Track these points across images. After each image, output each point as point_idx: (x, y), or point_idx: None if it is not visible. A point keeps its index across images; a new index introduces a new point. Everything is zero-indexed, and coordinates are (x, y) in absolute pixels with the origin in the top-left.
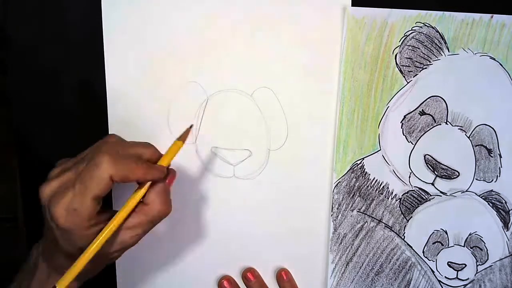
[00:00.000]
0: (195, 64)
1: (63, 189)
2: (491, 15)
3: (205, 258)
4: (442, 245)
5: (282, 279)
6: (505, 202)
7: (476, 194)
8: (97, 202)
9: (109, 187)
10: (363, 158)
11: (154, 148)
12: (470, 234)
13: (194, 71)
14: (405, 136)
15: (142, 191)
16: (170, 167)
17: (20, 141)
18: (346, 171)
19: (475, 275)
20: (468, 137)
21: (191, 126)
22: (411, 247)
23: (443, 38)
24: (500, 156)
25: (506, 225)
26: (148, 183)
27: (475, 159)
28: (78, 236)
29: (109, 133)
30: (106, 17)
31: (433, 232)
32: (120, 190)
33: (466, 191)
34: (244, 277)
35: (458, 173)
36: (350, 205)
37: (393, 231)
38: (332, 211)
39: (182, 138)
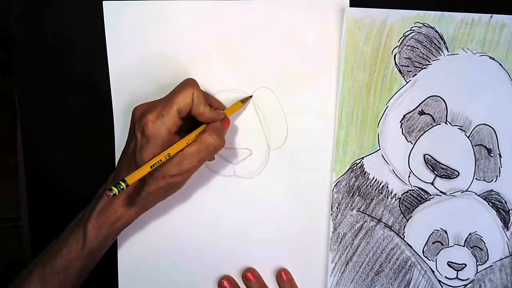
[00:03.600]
0: (196, 64)
1: (154, 105)
2: (490, 15)
3: (205, 258)
4: (442, 245)
5: (282, 279)
6: (505, 202)
7: (476, 194)
8: (180, 115)
9: (190, 105)
10: (362, 158)
11: (221, 103)
12: (470, 234)
13: (195, 71)
14: (405, 136)
15: (203, 126)
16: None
17: (24, 141)
18: (346, 171)
19: (475, 275)
20: (468, 137)
21: (251, 96)
22: (411, 246)
23: (442, 38)
24: (500, 156)
25: (506, 225)
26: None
27: (475, 158)
28: (156, 144)
29: (114, 132)
30: (108, 17)
31: (433, 231)
32: None
33: (466, 190)
34: (244, 277)
35: (458, 172)
36: (349, 204)
37: (392, 230)
38: (331, 210)
39: (244, 101)
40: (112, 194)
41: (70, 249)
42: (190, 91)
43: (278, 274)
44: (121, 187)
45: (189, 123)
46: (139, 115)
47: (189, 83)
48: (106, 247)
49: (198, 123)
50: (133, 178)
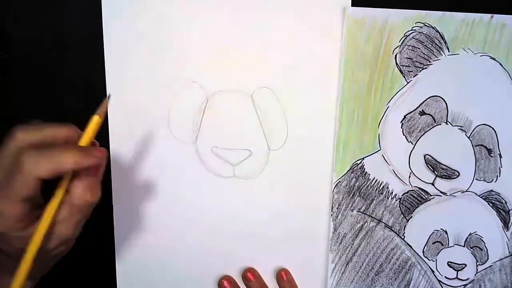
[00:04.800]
0: (196, 64)
1: None
2: (491, 15)
3: (205, 258)
4: (442, 245)
5: (282, 279)
6: (505, 202)
7: (476, 194)
8: (27, 203)
9: (37, 186)
10: (363, 158)
11: (69, 127)
12: (470, 234)
13: (195, 71)
14: (405, 136)
15: (66, 180)
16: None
17: None
18: (346, 171)
19: (475, 275)
20: (468, 137)
21: (109, 96)
22: (411, 247)
23: (443, 38)
24: (500, 156)
25: (506, 225)
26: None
27: (475, 159)
28: (14, 238)
29: (109, 133)
30: (106, 16)
31: (433, 232)
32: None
33: (466, 191)
34: (244, 277)
35: (458, 173)
36: (350, 204)
37: (393, 231)
38: (332, 210)
39: (100, 113)
40: None
41: None
42: (29, 173)
43: (278, 274)
44: None
45: None
46: None
47: (24, 159)
48: None
49: None
50: (17, 283)
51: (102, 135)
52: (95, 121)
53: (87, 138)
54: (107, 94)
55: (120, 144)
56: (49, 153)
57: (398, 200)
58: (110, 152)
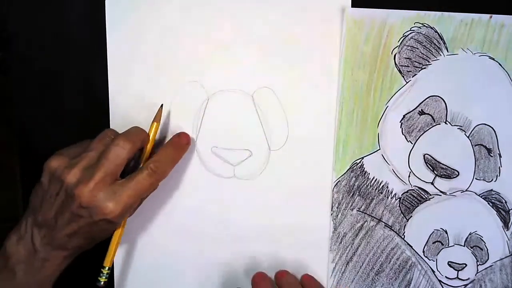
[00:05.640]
0: (196, 64)
1: (89, 172)
2: (490, 15)
3: (204, 258)
4: (442, 244)
5: (279, 278)
6: (505, 202)
7: (476, 193)
8: (117, 177)
9: (121, 168)
10: (362, 158)
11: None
12: (470, 234)
13: (195, 71)
14: (405, 136)
15: (154, 124)
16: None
17: (21, 142)
18: (346, 171)
19: (475, 275)
20: (468, 137)
21: (161, 106)
22: (411, 246)
23: (442, 39)
24: (500, 156)
25: (506, 225)
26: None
27: (475, 158)
28: (119, 223)
29: None
30: (109, 16)
31: (433, 231)
32: None
33: (466, 190)
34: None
35: (458, 172)
36: (350, 204)
37: (393, 230)
38: (332, 210)
39: (156, 119)
40: (102, 284)
41: None
42: (125, 150)
43: (278, 275)
44: (107, 274)
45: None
46: (58, 178)
47: (120, 140)
48: None
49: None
50: (111, 259)
51: None
52: (154, 127)
53: (152, 142)
54: (161, 104)
55: None
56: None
57: (398, 199)
58: None
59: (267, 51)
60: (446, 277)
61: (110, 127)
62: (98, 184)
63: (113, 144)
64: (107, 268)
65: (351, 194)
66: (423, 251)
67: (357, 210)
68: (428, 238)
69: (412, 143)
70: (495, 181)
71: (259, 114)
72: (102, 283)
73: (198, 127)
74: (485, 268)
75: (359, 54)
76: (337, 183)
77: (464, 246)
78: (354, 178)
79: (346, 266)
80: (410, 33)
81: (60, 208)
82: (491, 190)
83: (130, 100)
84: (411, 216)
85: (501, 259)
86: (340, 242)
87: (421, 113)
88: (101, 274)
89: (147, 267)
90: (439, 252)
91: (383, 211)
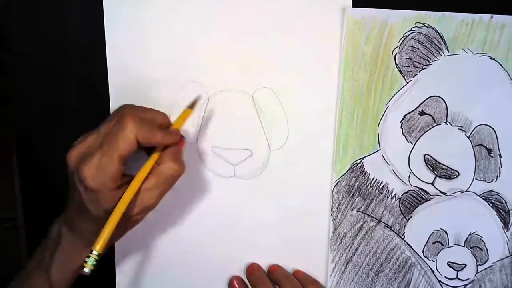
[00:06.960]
0: (196, 64)
1: (91, 151)
2: (491, 15)
3: (204, 258)
4: (442, 245)
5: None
6: (505, 202)
7: (476, 194)
8: (123, 162)
9: (134, 148)
10: (362, 158)
11: (165, 114)
12: (470, 234)
13: (195, 71)
14: (405, 136)
15: (157, 153)
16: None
17: (20, 141)
18: (346, 171)
19: (475, 275)
20: (468, 137)
21: (198, 96)
22: (411, 246)
23: (442, 39)
24: (500, 156)
25: (506, 225)
26: (162, 147)
27: (475, 159)
28: (105, 197)
29: None
30: (108, 17)
31: (433, 232)
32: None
33: (466, 191)
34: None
35: (458, 173)
36: (350, 204)
37: (392, 230)
38: (332, 210)
39: (191, 106)
40: (88, 271)
41: None
42: (131, 132)
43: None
44: (94, 260)
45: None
46: (75, 164)
47: (127, 120)
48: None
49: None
50: (101, 242)
51: None
52: (187, 112)
53: (179, 125)
54: (197, 95)
55: None
56: (148, 125)
57: (398, 200)
58: None
59: (267, 51)
60: (445, 277)
61: None
62: (98, 167)
63: (117, 126)
64: (94, 252)
65: (351, 195)
66: (423, 251)
67: (357, 211)
68: (428, 239)
69: (412, 144)
70: (495, 181)
71: (259, 114)
72: (88, 270)
73: (198, 127)
74: (485, 269)
75: (359, 54)
76: (337, 184)
77: (464, 246)
78: (354, 179)
79: (346, 266)
80: (411, 33)
81: (72, 189)
82: (491, 190)
83: (130, 100)
84: (411, 217)
85: (501, 259)
86: (340, 242)
87: (422, 113)
88: (87, 260)
89: (146, 266)
90: (439, 252)
91: (383, 211)
